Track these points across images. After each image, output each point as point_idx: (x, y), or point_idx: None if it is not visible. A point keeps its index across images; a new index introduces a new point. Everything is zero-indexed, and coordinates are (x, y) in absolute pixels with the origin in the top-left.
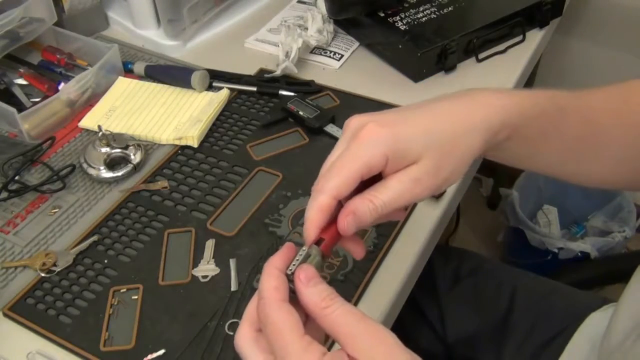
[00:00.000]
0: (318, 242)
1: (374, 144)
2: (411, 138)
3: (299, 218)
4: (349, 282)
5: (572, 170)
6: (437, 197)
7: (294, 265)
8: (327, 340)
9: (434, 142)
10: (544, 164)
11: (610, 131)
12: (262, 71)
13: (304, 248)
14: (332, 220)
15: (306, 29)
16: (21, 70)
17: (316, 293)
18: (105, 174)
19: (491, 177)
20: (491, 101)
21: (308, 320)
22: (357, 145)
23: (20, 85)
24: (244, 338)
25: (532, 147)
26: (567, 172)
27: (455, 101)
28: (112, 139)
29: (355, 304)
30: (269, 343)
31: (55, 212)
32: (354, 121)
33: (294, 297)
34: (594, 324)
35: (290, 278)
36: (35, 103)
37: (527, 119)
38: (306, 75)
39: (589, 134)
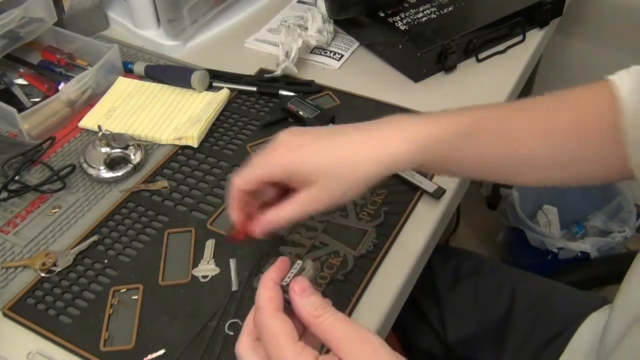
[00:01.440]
0: (314, 258)
1: (277, 165)
2: (311, 164)
3: None
4: (349, 282)
5: (502, 178)
6: (437, 197)
7: (289, 277)
8: (323, 349)
9: (330, 169)
10: (473, 176)
11: (536, 150)
12: (262, 71)
13: (298, 262)
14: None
15: (306, 29)
16: (21, 70)
17: (309, 303)
18: (105, 174)
19: None
20: (400, 139)
21: (305, 331)
22: (266, 160)
23: (20, 85)
24: (244, 347)
25: (449, 168)
26: (497, 180)
27: (366, 134)
28: (112, 139)
29: (356, 304)
30: (265, 349)
31: (55, 212)
32: (280, 136)
33: (289, 308)
34: (594, 324)
35: (285, 289)
36: (35, 103)
37: (434, 150)
38: (306, 75)
39: (511, 154)
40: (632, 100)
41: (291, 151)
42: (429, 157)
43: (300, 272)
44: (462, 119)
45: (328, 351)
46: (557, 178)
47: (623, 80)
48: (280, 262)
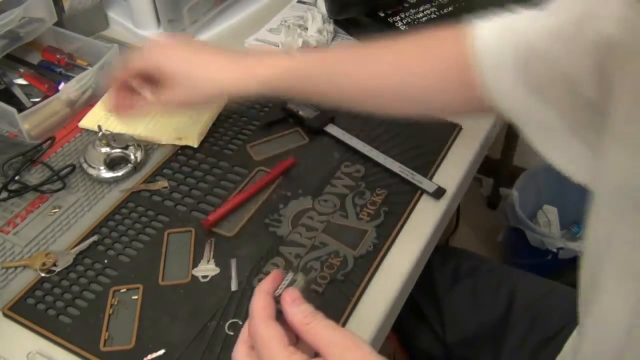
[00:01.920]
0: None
1: (152, 61)
2: (177, 69)
3: (299, 218)
4: (349, 281)
5: (368, 110)
6: (437, 197)
7: (281, 288)
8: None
9: (190, 78)
10: (337, 104)
11: (390, 81)
12: None
13: (289, 274)
14: None
15: (306, 29)
16: (21, 70)
17: (299, 312)
18: (105, 174)
19: (491, 177)
20: (251, 75)
21: (298, 340)
22: (145, 54)
23: (20, 85)
24: (240, 354)
25: (301, 96)
26: (365, 110)
27: (229, 61)
28: (112, 139)
29: (356, 304)
30: (258, 355)
31: (55, 212)
32: (157, 37)
33: (282, 317)
34: None
35: (277, 300)
36: (35, 103)
37: (282, 82)
38: None
39: (372, 91)
40: (487, 54)
41: (166, 51)
42: (275, 88)
43: (291, 283)
44: (317, 57)
45: (317, 355)
46: (422, 110)
47: (486, 39)
48: (274, 275)
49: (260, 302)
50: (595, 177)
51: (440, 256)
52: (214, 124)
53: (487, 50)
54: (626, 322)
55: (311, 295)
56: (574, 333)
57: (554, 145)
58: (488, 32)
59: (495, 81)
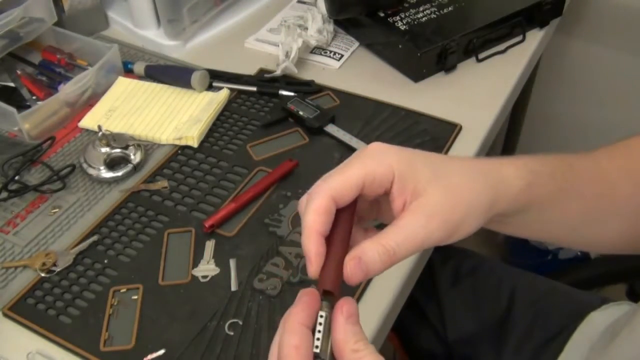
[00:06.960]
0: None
1: (382, 154)
2: (421, 164)
3: (299, 218)
4: None
5: (591, 234)
6: None
7: (318, 339)
8: None
9: (444, 176)
10: (564, 227)
11: (623, 188)
12: (262, 71)
13: (321, 313)
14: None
15: (306, 29)
16: (18, 72)
17: (352, 332)
18: (105, 174)
19: None
20: (502, 162)
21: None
22: (364, 154)
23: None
24: None
25: (551, 208)
26: (585, 237)
27: (467, 158)
28: (112, 139)
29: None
30: None
31: (55, 212)
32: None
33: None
34: (594, 323)
35: (317, 355)
36: (36, 101)
37: (541, 177)
38: (306, 75)
39: (605, 192)
40: None
41: (397, 147)
42: (537, 191)
43: (328, 328)
44: (551, 155)
45: None
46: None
47: None
48: (309, 299)
49: (293, 339)
50: None
51: (441, 256)
52: (214, 124)
53: None
54: None
55: None
56: (581, 328)
57: None
58: None
59: None
